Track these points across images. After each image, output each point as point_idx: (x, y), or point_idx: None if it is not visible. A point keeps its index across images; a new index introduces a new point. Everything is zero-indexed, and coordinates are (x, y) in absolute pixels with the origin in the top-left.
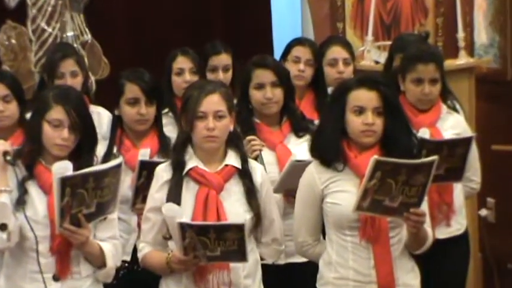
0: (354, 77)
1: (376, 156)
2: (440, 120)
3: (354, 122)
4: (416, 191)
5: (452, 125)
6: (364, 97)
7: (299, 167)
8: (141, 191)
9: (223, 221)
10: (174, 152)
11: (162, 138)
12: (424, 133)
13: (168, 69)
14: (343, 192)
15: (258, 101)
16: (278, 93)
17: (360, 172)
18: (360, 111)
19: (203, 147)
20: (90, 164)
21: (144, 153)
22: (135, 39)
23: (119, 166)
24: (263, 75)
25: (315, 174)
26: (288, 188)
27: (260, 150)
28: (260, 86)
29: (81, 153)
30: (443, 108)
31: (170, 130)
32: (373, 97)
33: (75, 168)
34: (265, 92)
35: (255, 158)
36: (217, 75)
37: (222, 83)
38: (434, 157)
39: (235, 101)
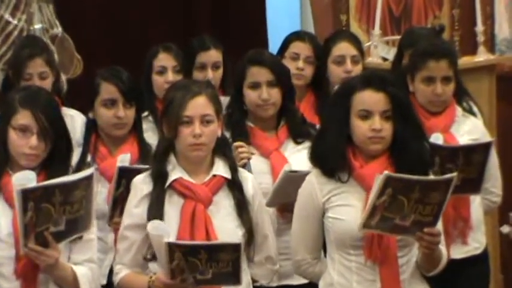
0: (359, 76)
1: (386, 172)
2: (455, 124)
3: (360, 128)
4: (431, 209)
5: (469, 129)
6: (371, 100)
7: (294, 179)
8: (119, 202)
9: (216, 240)
10: (155, 162)
11: (143, 145)
12: (436, 139)
13: (148, 68)
14: (347, 207)
15: (252, 102)
16: (275, 94)
17: (366, 184)
18: (366, 115)
19: (189, 156)
20: (65, 175)
21: (123, 159)
22: (112, 33)
23: (89, 177)
24: (259, 74)
25: (315, 185)
26: (281, 202)
27: (248, 159)
28: (255, 86)
29: (54, 162)
30: (458, 110)
31: (150, 136)
32: (381, 99)
33: (48, 180)
34: (261, 92)
35: (242, 167)
36: (206, 73)
37: (208, 83)
38: (453, 174)
39: (226, 101)
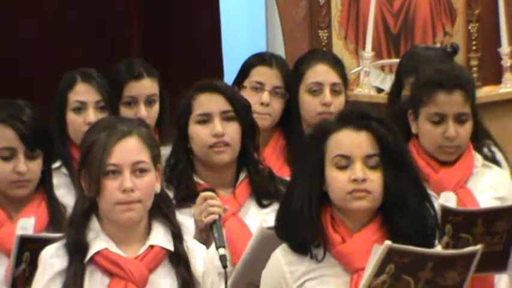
0: (335, 114)
1: (388, 243)
2: (472, 178)
3: (337, 180)
4: None
5: (492, 184)
6: (350, 141)
7: (275, 241)
8: (20, 283)
9: None
10: (71, 228)
11: (53, 206)
12: (447, 199)
13: (61, 103)
14: None
15: (202, 141)
16: (232, 130)
17: (352, 265)
18: (345, 162)
19: (117, 219)
20: None
21: (24, 224)
22: (7, 55)
23: None
24: (210, 102)
25: (284, 267)
26: (252, 281)
27: (219, 215)
28: (205, 119)
29: None
30: (477, 159)
31: (64, 194)
32: (363, 141)
33: None
34: (213, 127)
35: (210, 226)
36: (138, 110)
37: (141, 122)
38: (477, 247)
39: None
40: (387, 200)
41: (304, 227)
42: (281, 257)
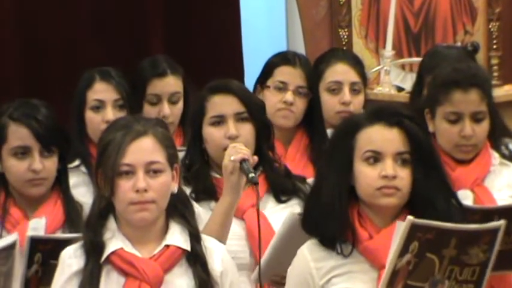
0: (365, 111)
1: (410, 218)
2: (490, 176)
3: (366, 176)
4: (471, 273)
5: (509, 182)
6: (381, 137)
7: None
8: (33, 285)
9: None
10: (88, 229)
11: (69, 205)
12: (463, 197)
13: (79, 102)
14: None
15: (216, 143)
16: (246, 131)
17: (379, 261)
18: (375, 158)
19: (131, 219)
20: None
21: (35, 225)
22: (26, 55)
23: (11, 247)
24: (223, 104)
25: (310, 263)
26: (279, 273)
27: (247, 157)
28: (219, 120)
29: None
30: (495, 157)
31: (83, 193)
32: (395, 137)
33: None
34: (227, 129)
35: (240, 164)
36: (161, 108)
37: (158, 121)
38: (500, 222)
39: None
40: (414, 197)
41: (334, 220)
42: (307, 253)
